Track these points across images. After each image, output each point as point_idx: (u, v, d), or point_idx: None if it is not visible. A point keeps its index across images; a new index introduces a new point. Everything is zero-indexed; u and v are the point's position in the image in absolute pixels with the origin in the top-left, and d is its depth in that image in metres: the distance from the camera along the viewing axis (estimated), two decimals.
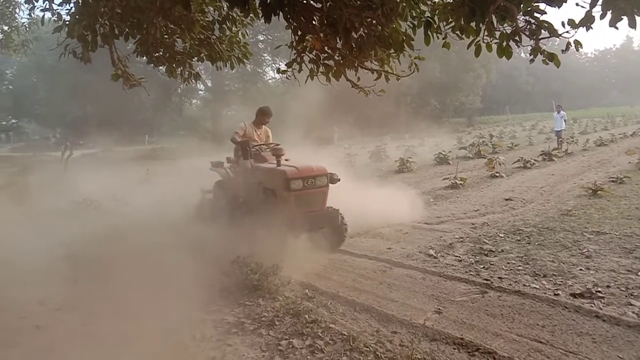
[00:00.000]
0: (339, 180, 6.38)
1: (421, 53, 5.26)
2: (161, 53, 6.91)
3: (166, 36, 6.68)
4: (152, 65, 6.99)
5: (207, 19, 6.62)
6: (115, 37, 5.77)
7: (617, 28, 3.36)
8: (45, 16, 5.57)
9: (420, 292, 4.98)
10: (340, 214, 6.49)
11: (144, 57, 6.78)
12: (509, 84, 66.80)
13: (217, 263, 5.61)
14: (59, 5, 5.47)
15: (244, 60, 7.24)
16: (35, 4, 5.83)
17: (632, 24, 3.26)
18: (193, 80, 7.59)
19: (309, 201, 6.08)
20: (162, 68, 7.12)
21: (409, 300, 4.79)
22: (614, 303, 4.51)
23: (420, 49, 5.02)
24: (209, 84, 42.88)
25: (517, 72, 66.10)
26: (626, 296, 4.65)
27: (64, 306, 4.93)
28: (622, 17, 3.25)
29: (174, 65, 7.08)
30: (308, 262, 5.95)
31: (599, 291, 4.77)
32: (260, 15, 5.07)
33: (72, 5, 5.41)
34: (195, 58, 7.23)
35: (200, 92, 46.82)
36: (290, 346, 3.88)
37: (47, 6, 5.42)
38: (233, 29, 6.95)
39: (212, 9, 6.59)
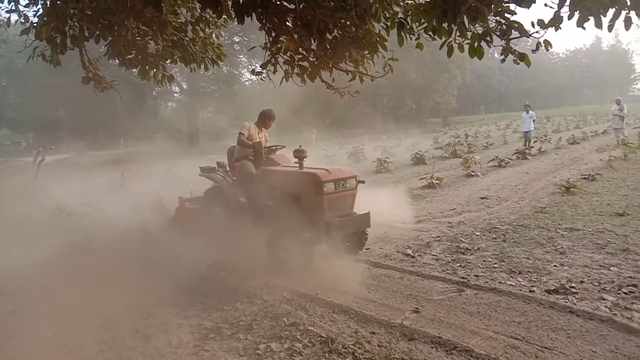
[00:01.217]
0: (363, 182, 6.15)
1: (396, 54, 5.29)
2: (133, 55, 6.81)
3: (138, 38, 6.58)
4: (125, 67, 6.90)
5: (179, 20, 6.54)
6: (85, 39, 5.66)
7: (584, 28, 3.43)
8: (12, 18, 5.42)
9: (398, 292, 4.99)
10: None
11: (116, 60, 6.67)
12: (483, 84, 67.81)
13: (194, 268, 5.56)
14: (25, 6, 5.32)
15: (219, 61, 7.18)
16: (1, 5, 5.68)
17: (598, 24, 3.33)
18: (167, 83, 7.49)
19: (340, 205, 5.79)
20: (135, 70, 7.02)
21: (387, 300, 4.80)
22: (587, 298, 4.60)
23: (395, 50, 5.04)
24: (184, 86, 42.42)
25: (491, 73, 67.14)
26: (599, 291, 4.74)
27: (37, 315, 4.81)
28: (589, 17, 3.31)
29: (146, 67, 6.98)
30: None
31: (572, 287, 4.85)
32: (233, 17, 5.04)
33: (39, 6, 5.28)
34: (169, 60, 7.14)
35: (175, 94, 46.22)
36: (269, 350, 3.84)
37: (13, 7, 5.26)
38: (206, 30, 6.89)
39: (184, 10, 6.52)
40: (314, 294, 5.00)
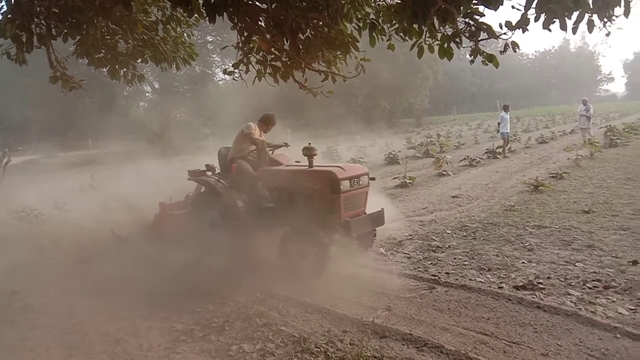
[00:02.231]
0: (374, 179, 6.04)
1: (369, 55, 5.33)
2: (103, 54, 6.70)
3: (107, 37, 6.48)
4: (94, 67, 6.77)
5: (150, 19, 6.46)
6: (52, 37, 5.54)
7: (550, 30, 3.53)
8: None
9: (370, 291, 5.02)
10: None
11: (85, 59, 6.55)
12: (455, 85, 68.74)
13: (165, 271, 5.50)
14: None
15: (190, 61, 7.12)
16: None
17: (563, 27, 3.42)
18: (137, 82, 7.39)
19: (355, 203, 5.66)
20: (105, 70, 6.90)
21: (360, 299, 4.82)
22: (553, 293, 4.72)
23: (368, 50, 5.08)
24: (156, 86, 41.83)
25: (462, 74, 68.14)
26: (565, 286, 4.87)
27: (2, 321, 4.69)
28: (554, 20, 3.40)
29: (116, 66, 6.87)
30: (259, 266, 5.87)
31: (540, 283, 4.98)
32: (204, 16, 5.00)
33: (3, 3, 5.15)
34: (139, 59, 7.05)
35: (147, 94, 45.58)
36: (241, 351, 3.83)
37: None
38: (178, 29, 6.82)
39: (155, 9, 6.44)
40: (287, 294, 4.99)
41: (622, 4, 3.21)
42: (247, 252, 5.82)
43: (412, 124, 49.33)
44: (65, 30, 5.48)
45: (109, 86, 31.11)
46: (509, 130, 17.79)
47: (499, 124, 17.79)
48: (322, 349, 3.78)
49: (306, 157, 5.80)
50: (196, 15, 5.81)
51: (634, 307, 4.35)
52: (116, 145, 29.57)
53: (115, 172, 16.61)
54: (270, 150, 6.61)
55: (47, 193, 11.10)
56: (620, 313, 4.25)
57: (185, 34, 7.08)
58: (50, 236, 7.66)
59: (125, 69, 7.03)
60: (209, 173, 6.77)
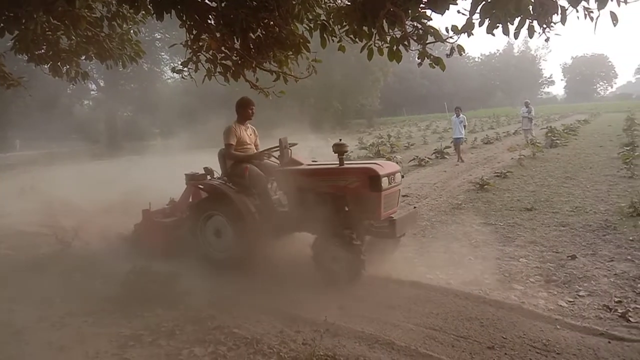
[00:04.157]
0: (404, 176, 5.73)
1: (322, 56, 5.35)
2: (44, 50, 6.43)
3: (49, 32, 6.22)
4: (34, 63, 6.48)
5: (94, 15, 6.24)
6: None
7: (493, 35, 3.64)
8: None
9: (323, 291, 5.02)
10: None
11: (25, 55, 6.25)
12: (405, 86, 70.08)
13: (112, 275, 5.31)
14: None
15: (137, 58, 6.94)
16: None
17: (506, 32, 3.55)
18: (81, 80, 7.13)
19: (391, 202, 5.33)
20: (46, 67, 6.61)
21: (312, 298, 4.81)
22: (498, 288, 4.91)
23: (320, 51, 5.09)
24: (102, 84, 40.45)
25: (412, 76, 69.51)
26: (509, 281, 5.07)
27: None
28: (498, 25, 3.52)
29: (58, 63, 6.61)
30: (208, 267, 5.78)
31: (486, 278, 5.16)
32: (152, 13, 4.88)
33: None
34: (83, 56, 6.81)
35: (92, 92, 44.01)
36: (192, 355, 3.76)
37: None
38: (124, 26, 6.63)
39: (100, 5, 6.23)
40: (239, 296, 4.94)
41: (559, 11, 3.37)
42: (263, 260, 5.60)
43: (363, 125, 49.92)
44: (2, 25, 5.20)
45: (51, 84, 29.83)
46: (460, 136, 16.11)
47: (464, 126, 16.43)
48: (275, 350, 3.76)
49: (336, 155, 5.34)
50: (143, 12, 5.70)
51: (572, 300, 4.59)
52: (60, 146, 28.40)
53: (59, 174, 15.92)
54: (266, 152, 6.04)
55: None
56: (560, 305, 4.47)
57: (131, 31, 6.89)
58: None
59: (68, 66, 6.76)
60: (209, 177, 6.26)
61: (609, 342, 3.72)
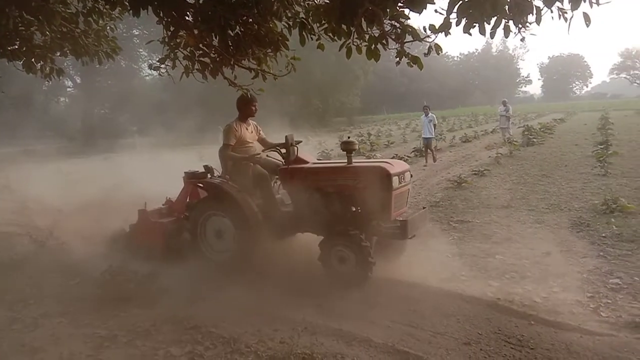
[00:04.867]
0: (411, 175, 5.59)
1: (302, 54, 5.34)
2: (17, 46, 6.29)
3: (22, 28, 6.09)
4: (7, 59, 6.34)
5: (69, 10, 6.14)
6: None
7: (470, 34, 3.67)
8: None
9: (302, 289, 4.99)
10: None
11: None
12: (385, 85, 70.40)
13: (87, 275, 5.24)
14: None
15: (114, 55, 6.84)
16: None
17: (482, 31, 3.59)
18: (56, 77, 7.00)
19: (401, 201, 5.21)
20: (20, 63, 6.47)
21: (292, 297, 4.81)
22: (475, 285, 4.97)
23: (301, 49, 5.06)
24: (78, 81, 39.77)
25: (392, 74, 69.83)
26: (485, 278, 5.15)
27: None
28: (475, 24, 3.56)
29: (32, 60, 6.47)
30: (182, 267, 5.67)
31: (462, 275, 5.23)
32: (128, 9, 4.81)
33: None
34: (58, 52, 6.68)
35: (68, 89, 43.28)
36: (168, 355, 3.73)
37: None
38: (100, 22, 6.52)
39: (75, 0, 6.12)
40: (217, 295, 4.91)
41: (535, 12, 3.42)
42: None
43: (344, 123, 50.06)
44: None
45: (26, 80, 29.22)
46: (430, 135, 15.45)
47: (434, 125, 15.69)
48: (252, 348, 3.75)
49: (345, 153, 5.23)
50: (119, 8, 5.62)
51: (546, 295, 4.67)
52: (35, 143, 27.85)
53: (33, 172, 15.58)
54: (265, 152, 5.82)
55: None
56: (535, 301, 4.55)
57: (108, 27, 6.79)
58: None
59: (42, 63, 6.63)
60: (213, 175, 6.02)
61: (581, 337, 3.80)
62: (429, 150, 15.55)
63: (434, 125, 15.60)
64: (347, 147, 5.18)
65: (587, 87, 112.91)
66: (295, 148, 5.55)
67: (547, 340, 3.77)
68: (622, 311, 4.25)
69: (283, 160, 5.54)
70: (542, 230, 6.81)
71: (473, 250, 6.06)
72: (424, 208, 5.69)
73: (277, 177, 5.75)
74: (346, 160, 5.22)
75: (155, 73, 5.65)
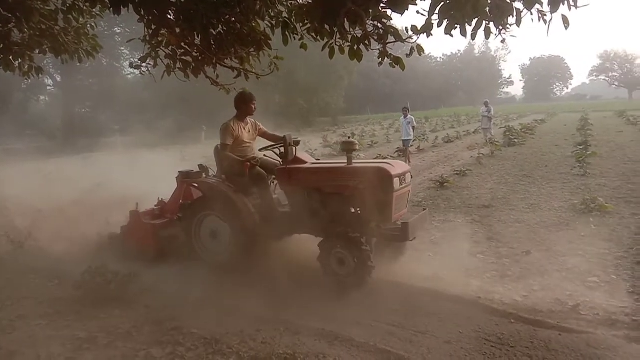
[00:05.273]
0: (412, 177, 5.53)
1: (285, 53, 5.32)
2: None
3: None
4: None
5: (48, 7, 6.03)
6: None
7: (452, 35, 3.71)
8: None
9: (285, 289, 4.98)
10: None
11: None
12: (369, 85, 70.64)
13: (66, 276, 5.16)
14: None
15: (94, 53, 6.74)
16: None
17: (463, 33, 3.62)
18: (35, 75, 6.88)
19: (402, 203, 5.11)
20: None
21: (275, 297, 4.80)
22: (456, 284, 5.00)
23: (285, 49, 5.04)
24: (58, 79, 39.18)
25: (376, 75, 70.08)
26: (466, 277, 5.19)
27: None
28: (456, 25, 3.59)
29: (10, 57, 6.35)
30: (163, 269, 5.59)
31: (444, 274, 5.26)
32: (109, 6, 4.75)
33: None
34: (37, 50, 6.56)
35: (48, 87, 42.60)
36: (149, 356, 3.70)
37: None
38: (80, 19, 6.42)
39: None
40: (199, 296, 4.87)
41: (515, 14, 3.46)
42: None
43: (328, 123, 50.08)
44: None
45: (5, 79, 28.71)
46: (408, 137, 15.25)
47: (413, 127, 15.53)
48: (234, 349, 3.73)
49: (345, 153, 5.14)
50: (100, 5, 5.54)
51: (526, 294, 4.74)
52: (14, 142, 27.36)
53: (12, 171, 15.30)
54: (263, 150, 5.70)
55: None
56: (515, 300, 4.61)
57: (88, 25, 6.69)
58: None
59: (20, 60, 6.51)
60: (208, 175, 5.94)
61: (560, 335, 3.86)
62: (406, 152, 15.40)
63: (413, 127, 15.44)
64: (347, 147, 5.09)
65: (567, 88, 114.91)
66: (294, 148, 5.45)
67: (526, 339, 3.82)
68: (600, 309, 4.32)
69: (280, 160, 5.46)
70: (523, 230, 6.89)
71: (454, 250, 6.10)
72: (424, 210, 5.63)
73: (274, 177, 5.65)
74: (346, 161, 5.15)
75: (136, 72, 5.59)
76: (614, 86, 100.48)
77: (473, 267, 5.48)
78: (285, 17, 4.92)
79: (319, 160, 5.76)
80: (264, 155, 5.76)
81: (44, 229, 6.99)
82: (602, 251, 5.85)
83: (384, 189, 4.78)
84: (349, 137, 5.07)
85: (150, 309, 4.56)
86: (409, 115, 15.46)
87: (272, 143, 5.66)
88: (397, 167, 5.06)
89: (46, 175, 13.59)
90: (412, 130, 15.32)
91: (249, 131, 5.74)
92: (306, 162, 5.41)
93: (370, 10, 3.89)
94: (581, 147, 14.21)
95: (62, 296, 4.81)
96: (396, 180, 4.82)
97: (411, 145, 16.36)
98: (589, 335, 3.84)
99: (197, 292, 4.96)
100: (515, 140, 19.30)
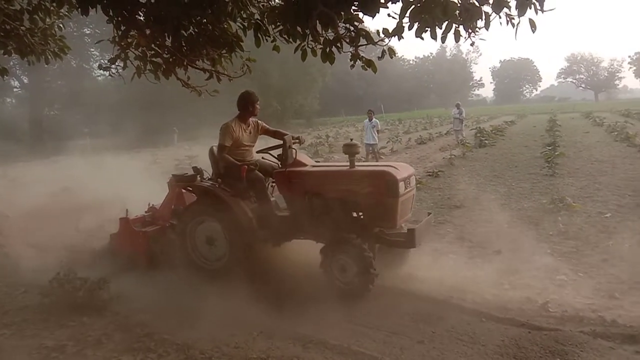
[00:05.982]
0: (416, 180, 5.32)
1: (259, 56, 5.28)
2: None
3: None
4: None
5: (13, 7, 5.87)
6: None
7: (422, 38, 3.75)
8: None
9: (259, 293, 4.91)
10: None
11: None
12: (343, 87, 70.87)
13: (33, 283, 5.01)
14: None
15: (62, 54, 6.59)
16: None
17: (434, 36, 3.66)
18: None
19: (406, 208, 4.94)
20: None
21: (249, 301, 4.73)
22: (429, 284, 5.05)
23: (258, 51, 5.01)
24: (25, 81, 38.17)
25: (349, 77, 70.30)
26: (439, 277, 5.23)
27: None
28: (426, 29, 3.63)
29: None
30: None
31: (418, 274, 5.31)
32: (76, 7, 4.65)
33: None
34: (1, 51, 6.38)
35: (15, 89, 41.45)
36: None
37: None
38: (47, 20, 6.27)
39: None
40: (172, 301, 4.79)
41: (484, 17, 3.52)
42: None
43: (303, 125, 50.06)
44: None
45: None
46: (373, 142, 14.68)
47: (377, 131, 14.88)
48: (207, 355, 3.69)
49: (347, 156, 4.99)
50: (67, 6, 5.42)
51: (497, 293, 4.82)
52: None
53: None
54: (261, 152, 5.54)
55: None
56: (486, 299, 4.69)
57: (55, 26, 6.54)
58: None
59: None
60: (203, 178, 5.60)
61: (529, 332, 3.94)
62: (371, 155, 14.65)
63: (377, 130, 14.78)
64: (350, 150, 4.94)
65: (536, 90, 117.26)
66: (294, 150, 5.26)
67: (497, 337, 3.89)
68: (568, 306, 4.43)
69: (279, 162, 5.30)
70: (494, 230, 7.00)
71: (427, 250, 6.13)
72: (429, 214, 5.50)
73: (271, 179, 5.48)
74: (348, 164, 5.04)
75: (106, 73, 5.48)
76: (581, 88, 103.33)
77: (445, 267, 5.54)
78: (257, 18, 4.90)
79: (318, 162, 5.65)
80: (262, 157, 5.62)
81: (10, 235, 6.80)
82: (569, 249, 6.00)
83: (388, 194, 4.63)
84: (351, 140, 4.93)
85: (121, 316, 4.48)
86: (374, 119, 14.96)
87: (274, 141, 5.49)
88: (402, 170, 4.91)
89: (13, 179, 13.23)
90: (376, 134, 14.65)
91: (250, 133, 5.52)
92: (306, 165, 5.26)
93: (342, 13, 3.91)
94: (550, 148, 14.55)
95: (28, 304, 4.68)
96: (401, 185, 4.68)
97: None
98: (557, 332, 3.92)
99: (169, 297, 4.89)
100: (486, 142, 19.65)
